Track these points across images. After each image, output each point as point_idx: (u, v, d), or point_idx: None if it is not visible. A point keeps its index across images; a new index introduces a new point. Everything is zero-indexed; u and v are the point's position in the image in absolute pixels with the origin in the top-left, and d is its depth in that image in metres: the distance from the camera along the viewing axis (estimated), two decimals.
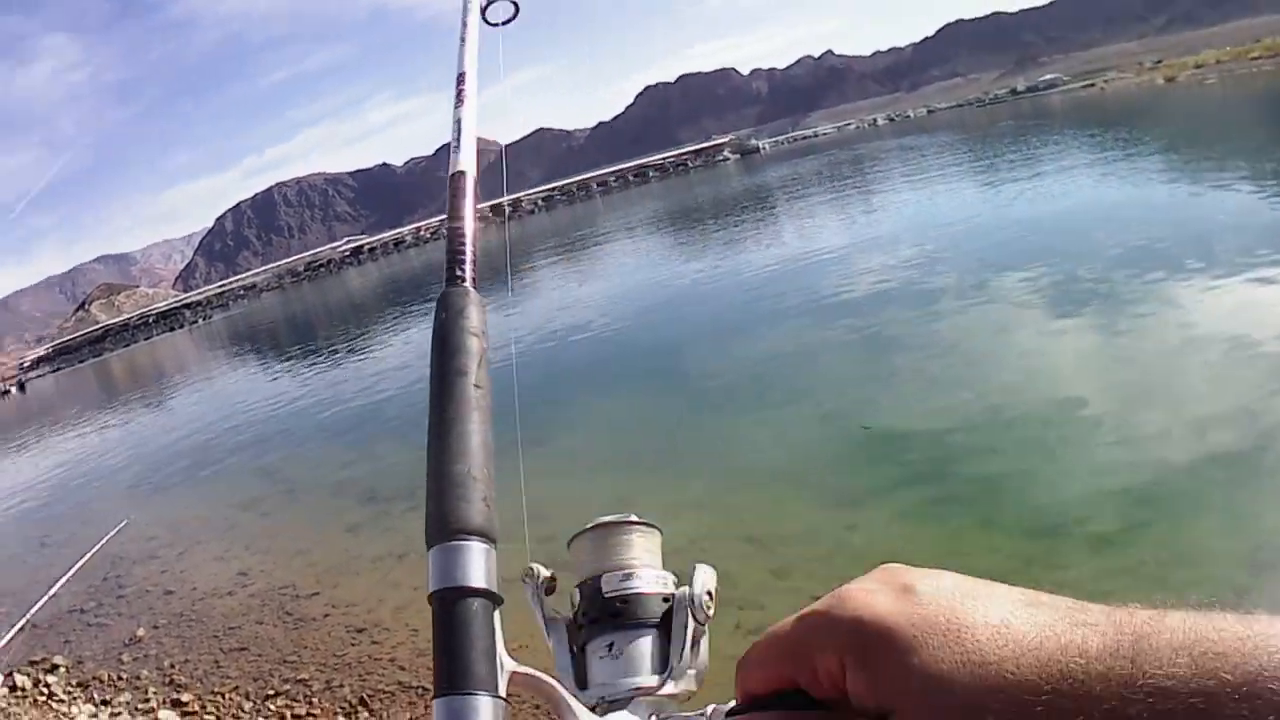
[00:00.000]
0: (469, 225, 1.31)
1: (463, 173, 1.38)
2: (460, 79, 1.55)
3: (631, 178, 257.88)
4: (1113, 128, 62.77)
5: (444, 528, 0.99)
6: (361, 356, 39.19)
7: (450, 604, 0.92)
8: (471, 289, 1.25)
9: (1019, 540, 9.67)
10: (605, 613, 1.13)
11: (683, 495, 12.67)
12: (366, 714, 8.93)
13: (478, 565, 0.96)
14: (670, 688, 1.09)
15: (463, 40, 1.65)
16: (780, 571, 10.09)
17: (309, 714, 9.26)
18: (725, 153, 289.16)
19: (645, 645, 1.12)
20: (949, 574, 0.85)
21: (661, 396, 17.95)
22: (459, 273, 1.26)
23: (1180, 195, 26.43)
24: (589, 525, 1.21)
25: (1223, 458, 10.13)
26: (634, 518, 1.22)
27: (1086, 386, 12.89)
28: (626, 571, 1.16)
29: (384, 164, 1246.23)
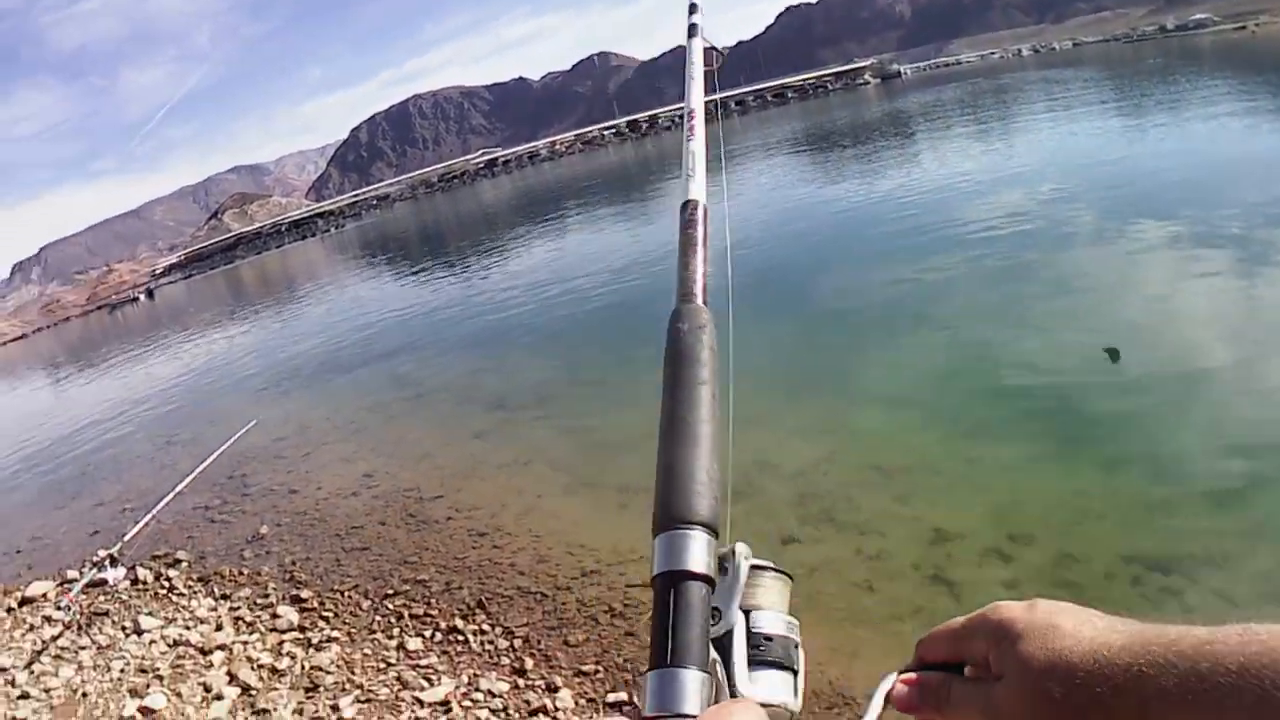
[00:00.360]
0: (700, 249, 1.37)
1: (695, 201, 1.44)
2: (690, 114, 1.67)
3: (770, 98, 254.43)
4: (1263, 72, 60.75)
5: (673, 516, 1.03)
6: (492, 269, 39.32)
7: (671, 586, 0.97)
8: (705, 308, 1.30)
9: (1139, 488, 9.47)
10: (755, 645, 1.14)
11: (814, 420, 12.59)
12: (484, 616, 8.90)
13: (700, 553, 1.00)
14: (794, 705, 1.13)
15: (690, 78, 1.80)
16: (902, 498, 10.08)
17: (426, 614, 9.23)
18: (866, 76, 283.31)
19: (777, 677, 1.14)
20: (1067, 603, 1.10)
21: (800, 320, 17.59)
22: (694, 290, 1.31)
23: None
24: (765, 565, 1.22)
25: None
26: (771, 564, 1.23)
27: (1221, 339, 12.45)
28: (778, 615, 1.19)
29: (520, 78, 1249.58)
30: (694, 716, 0.92)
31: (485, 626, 8.66)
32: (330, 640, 9.17)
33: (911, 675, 1.18)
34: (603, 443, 12.89)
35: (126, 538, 12.43)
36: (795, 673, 1.15)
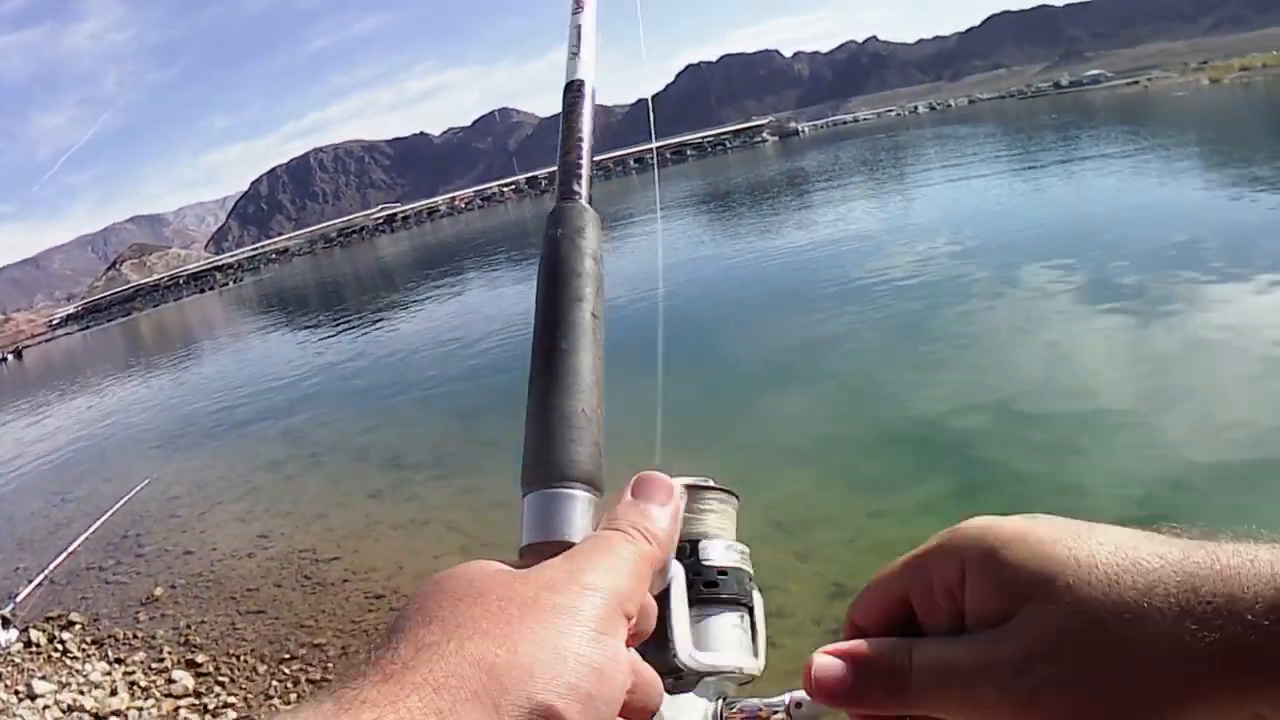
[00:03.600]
0: (586, 136, 1.18)
1: (581, 81, 1.22)
2: None
3: (669, 155, 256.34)
4: (1153, 126, 62.39)
5: (546, 471, 0.90)
6: (390, 324, 39.29)
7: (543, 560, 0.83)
8: (589, 207, 1.12)
9: None
10: (705, 582, 1.04)
11: (706, 472, 12.58)
12: None
13: (581, 518, 0.88)
14: (753, 667, 1.04)
15: None
16: (802, 554, 10.12)
17: (324, 679, 9.23)
18: (764, 134, 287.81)
19: (730, 620, 1.05)
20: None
21: (690, 371, 17.73)
22: (575, 188, 1.12)
23: (1219, 199, 26.21)
24: (690, 483, 1.10)
25: (1252, 465, 10.06)
26: (713, 482, 1.14)
27: (1117, 385, 12.83)
28: (728, 543, 1.09)
29: (421, 133, 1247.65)
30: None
31: None
32: (226, 706, 9.15)
33: (840, 645, 0.85)
34: (500, 502, 12.92)
35: (18, 598, 12.27)
36: (751, 609, 1.07)
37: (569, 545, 0.84)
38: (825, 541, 10.35)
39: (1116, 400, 12.19)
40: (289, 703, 8.90)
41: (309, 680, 9.26)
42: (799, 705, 0.96)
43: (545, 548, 0.84)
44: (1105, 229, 23.00)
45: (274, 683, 9.42)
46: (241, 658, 10.15)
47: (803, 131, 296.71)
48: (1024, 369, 14.06)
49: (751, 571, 1.09)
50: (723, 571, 1.05)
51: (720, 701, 1.01)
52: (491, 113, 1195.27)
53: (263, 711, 8.90)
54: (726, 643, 1.02)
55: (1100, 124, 78.63)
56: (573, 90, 1.20)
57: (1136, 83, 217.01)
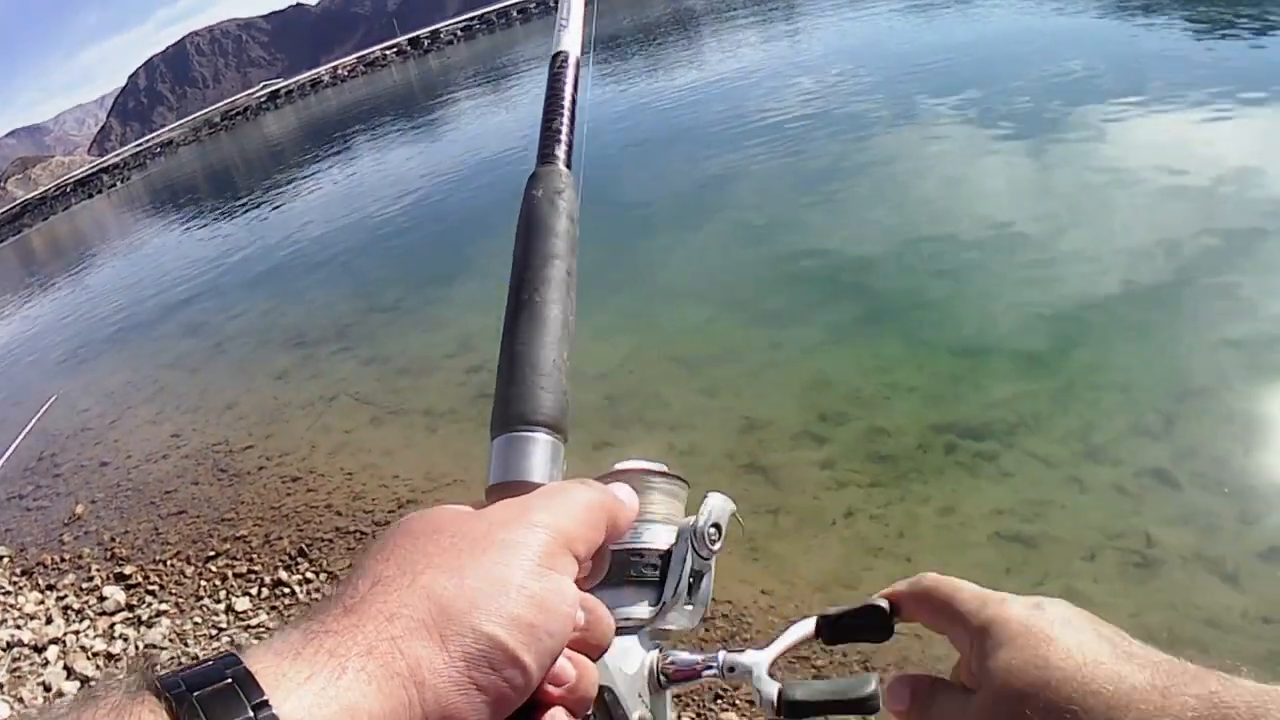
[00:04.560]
0: (568, 106, 1.27)
1: (566, 53, 1.32)
2: None
3: (551, 3, 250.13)
4: None
5: (513, 416, 0.96)
6: (283, 204, 38.38)
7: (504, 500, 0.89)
8: (567, 170, 1.22)
9: (945, 359, 9.90)
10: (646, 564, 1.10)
11: (614, 319, 12.74)
12: (306, 563, 8.89)
13: (543, 461, 0.94)
14: (663, 622, 1.09)
15: None
16: (709, 390, 10.34)
17: (250, 571, 9.18)
18: None
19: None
20: (1072, 607, 0.97)
21: (586, 211, 17.59)
22: (555, 152, 1.22)
23: (1115, 27, 26.11)
24: (627, 468, 1.16)
25: (1149, 288, 10.26)
26: (664, 468, 1.19)
27: (1015, 212, 12.93)
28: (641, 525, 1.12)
29: (298, 4, 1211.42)
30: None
31: (309, 575, 8.65)
32: (160, 615, 9.05)
33: (908, 675, 1.04)
34: (405, 369, 12.90)
35: None
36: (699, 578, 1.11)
37: (532, 487, 0.91)
38: (730, 376, 10.53)
39: (1014, 230, 12.29)
40: (220, 601, 8.86)
41: (236, 575, 9.18)
42: (732, 669, 1.08)
43: (508, 488, 0.91)
44: (1001, 60, 22.93)
45: (202, 583, 9.32)
46: (168, 563, 10.04)
47: None
48: (922, 200, 14.13)
49: (712, 545, 1.11)
50: (636, 554, 1.09)
51: (658, 651, 1.09)
52: None
53: (196, 614, 8.84)
54: (629, 595, 1.09)
55: None
56: (558, 61, 1.30)
57: None
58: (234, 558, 9.55)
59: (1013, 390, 9.00)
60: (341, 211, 28.41)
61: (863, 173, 15.92)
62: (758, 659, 1.08)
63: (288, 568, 8.88)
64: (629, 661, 1.04)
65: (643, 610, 1.07)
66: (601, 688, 0.97)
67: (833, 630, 1.12)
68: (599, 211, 17.95)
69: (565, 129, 1.24)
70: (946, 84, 20.72)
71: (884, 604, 1.09)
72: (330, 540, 9.11)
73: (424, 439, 10.81)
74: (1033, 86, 18.61)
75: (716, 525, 1.11)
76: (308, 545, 9.09)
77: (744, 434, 9.29)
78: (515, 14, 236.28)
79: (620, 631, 1.02)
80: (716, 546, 1.10)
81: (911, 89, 21.20)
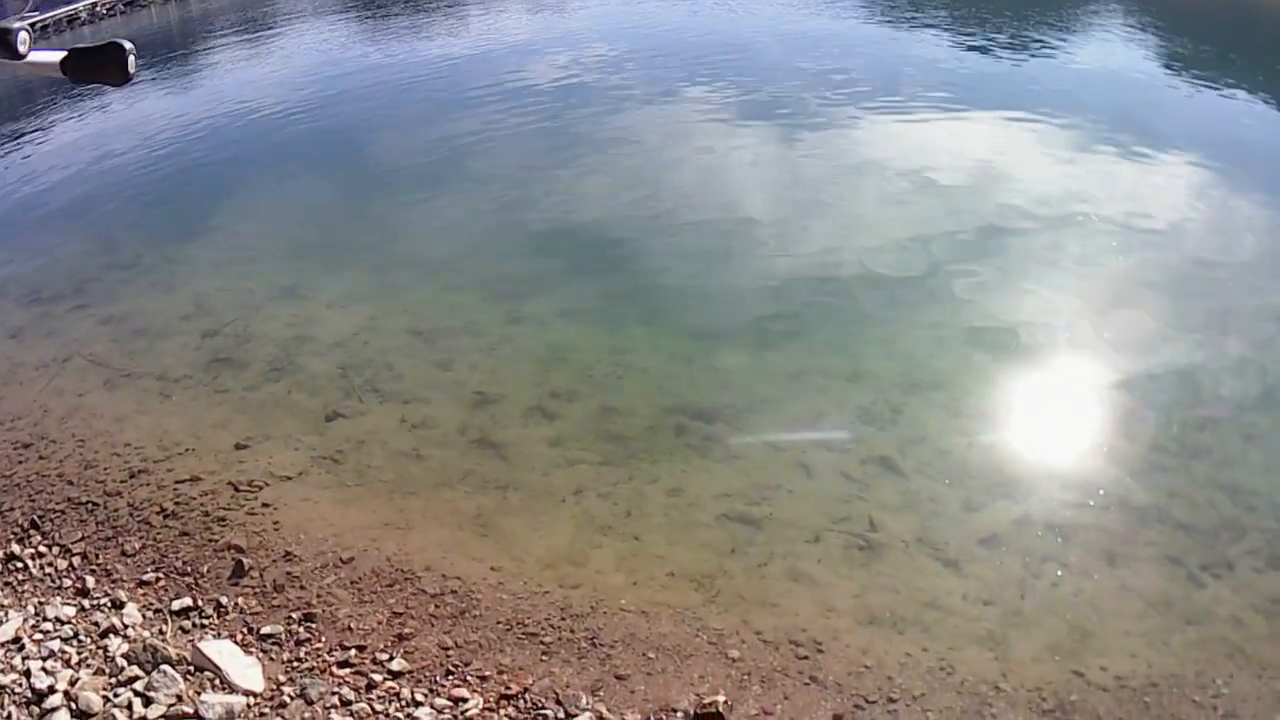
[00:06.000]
0: None
1: None
2: None
3: None
4: None
5: None
6: (27, 151, 36.50)
7: None
8: None
9: (680, 341, 10.37)
10: None
11: (350, 288, 12.81)
12: (39, 536, 8.64)
13: None
14: None
15: None
16: (444, 364, 10.63)
17: None
18: None
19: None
20: None
21: (328, 186, 17.47)
22: None
23: (876, 31, 26.84)
24: None
25: (884, 279, 10.84)
26: None
27: (760, 201, 13.47)
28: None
29: None
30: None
31: (43, 548, 8.45)
32: None
33: None
34: (142, 330, 12.57)
35: None
36: None
37: None
38: (466, 349, 10.81)
39: (758, 217, 12.73)
40: None
41: None
42: None
43: None
44: (764, 51, 23.38)
45: None
46: None
47: None
48: (671, 180, 14.54)
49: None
50: None
51: None
52: None
53: None
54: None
55: None
56: None
57: None
58: None
59: (745, 375, 9.38)
60: (86, 159, 27.18)
61: (616, 152, 16.18)
62: None
63: (20, 540, 8.63)
64: None
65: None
66: None
67: None
68: (341, 175, 17.73)
69: None
70: (705, 71, 21.19)
71: None
72: (63, 511, 8.91)
73: (158, 404, 10.61)
74: (791, 80, 19.18)
75: None
76: (40, 517, 8.86)
77: (476, 408, 9.54)
78: None
79: None
80: None
81: (669, 71, 21.56)
